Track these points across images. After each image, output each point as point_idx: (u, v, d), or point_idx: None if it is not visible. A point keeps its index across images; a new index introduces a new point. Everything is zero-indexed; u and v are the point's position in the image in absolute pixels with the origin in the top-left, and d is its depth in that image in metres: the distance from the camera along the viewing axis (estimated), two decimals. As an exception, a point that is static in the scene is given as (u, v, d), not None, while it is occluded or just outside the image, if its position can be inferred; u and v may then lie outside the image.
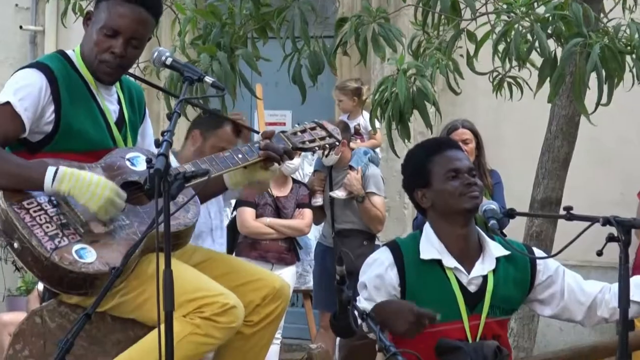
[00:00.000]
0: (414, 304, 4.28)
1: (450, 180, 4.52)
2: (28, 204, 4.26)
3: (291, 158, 4.65)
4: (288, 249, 8.51)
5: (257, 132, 4.84)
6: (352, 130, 8.95)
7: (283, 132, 4.73)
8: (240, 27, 6.16)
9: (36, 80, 4.34)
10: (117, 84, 4.54)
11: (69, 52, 4.50)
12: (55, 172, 4.20)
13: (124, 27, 4.37)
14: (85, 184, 4.20)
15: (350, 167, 8.46)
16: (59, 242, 4.20)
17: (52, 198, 4.27)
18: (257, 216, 8.37)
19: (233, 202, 8.59)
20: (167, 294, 3.72)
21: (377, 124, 6.13)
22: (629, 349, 3.89)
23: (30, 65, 4.46)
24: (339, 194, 8.42)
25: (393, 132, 5.88)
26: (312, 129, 4.80)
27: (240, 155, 4.51)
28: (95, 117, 4.43)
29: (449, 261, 4.51)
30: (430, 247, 4.54)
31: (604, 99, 5.81)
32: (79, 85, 4.42)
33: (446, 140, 4.73)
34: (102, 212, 4.21)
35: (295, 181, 8.70)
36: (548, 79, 5.84)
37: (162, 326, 3.72)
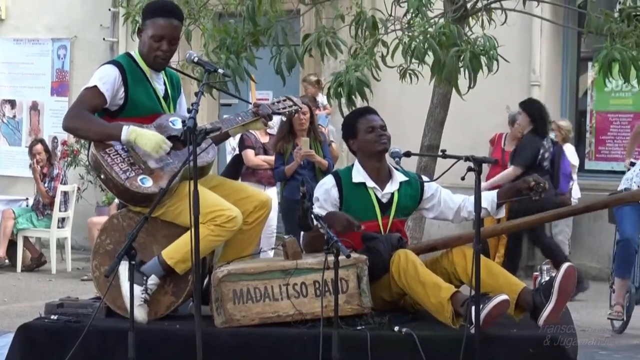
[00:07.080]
0: (347, 214, 4.31)
1: (369, 133, 4.51)
2: (109, 150, 4.22)
3: (271, 119, 4.62)
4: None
5: (250, 103, 4.81)
6: (318, 104, 9.03)
7: (262, 102, 4.70)
8: (242, 39, 6.19)
9: (112, 72, 4.27)
10: (163, 72, 4.45)
11: (132, 52, 4.42)
12: (127, 128, 4.17)
13: (165, 33, 4.30)
14: (145, 134, 4.18)
15: (319, 125, 8.13)
16: (129, 174, 4.17)
17: (125, 147, 4.23)
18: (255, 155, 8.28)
19: (237, 142, 8.43)
20: (195, 206, 3.70)
21: (331, 101, 6.24)
22: (480, 238, 3.91)
23: (108, 62, 4.39)
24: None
25: (343, 106, 6.02)
26: (284, 100, 4.76)
27: (240, 118, 4.48)
28: (149, 94, 4.36)
29: (370, 183, 4.51)
30: (358, 174, 4.53)
31: (472, 84, 5.92)
32: (139, 73, 4.34)
33: (368, 108, 4.68)
34: (154, 151, 4.18)
35: (270, 135, 8.54)
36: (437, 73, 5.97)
37: (193, 229, 3.69)
